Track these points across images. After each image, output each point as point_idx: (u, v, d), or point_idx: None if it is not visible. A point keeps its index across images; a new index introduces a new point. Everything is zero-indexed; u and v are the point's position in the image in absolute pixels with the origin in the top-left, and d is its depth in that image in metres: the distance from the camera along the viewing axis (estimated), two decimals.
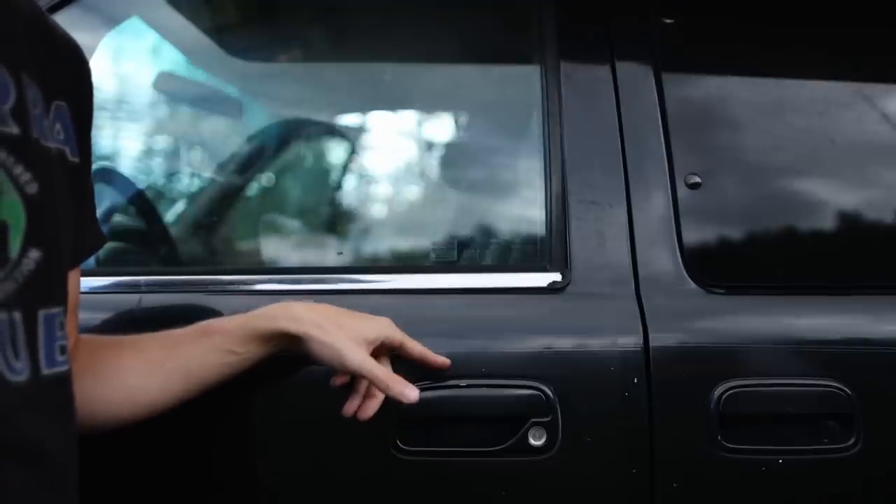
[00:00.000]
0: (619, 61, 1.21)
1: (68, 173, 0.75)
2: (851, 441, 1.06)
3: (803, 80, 1.28)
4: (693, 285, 1.12)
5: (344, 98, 1.71)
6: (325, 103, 1.71)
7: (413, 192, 1.68)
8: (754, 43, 1.27)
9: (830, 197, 1.23)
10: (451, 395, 1.05)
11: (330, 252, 1.55)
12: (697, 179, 1.17)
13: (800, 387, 1.07)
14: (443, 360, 1.03)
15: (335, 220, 1.63)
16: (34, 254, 0.68)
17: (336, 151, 1.76)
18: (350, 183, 1.71)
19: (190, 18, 1.58)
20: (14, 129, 0.67)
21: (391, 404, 1.01)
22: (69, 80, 0.80)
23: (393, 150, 1.68)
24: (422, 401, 1.03)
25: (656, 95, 1.19)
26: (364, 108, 1.73)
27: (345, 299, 1.12)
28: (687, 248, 1.13)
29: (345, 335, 0.94)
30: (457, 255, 1.27)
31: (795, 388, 1.07)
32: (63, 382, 0.71)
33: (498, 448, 1.04)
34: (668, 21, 1.29)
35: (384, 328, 0.98)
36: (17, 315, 0.66)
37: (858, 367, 1.09)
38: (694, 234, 1.15)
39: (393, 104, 1.71)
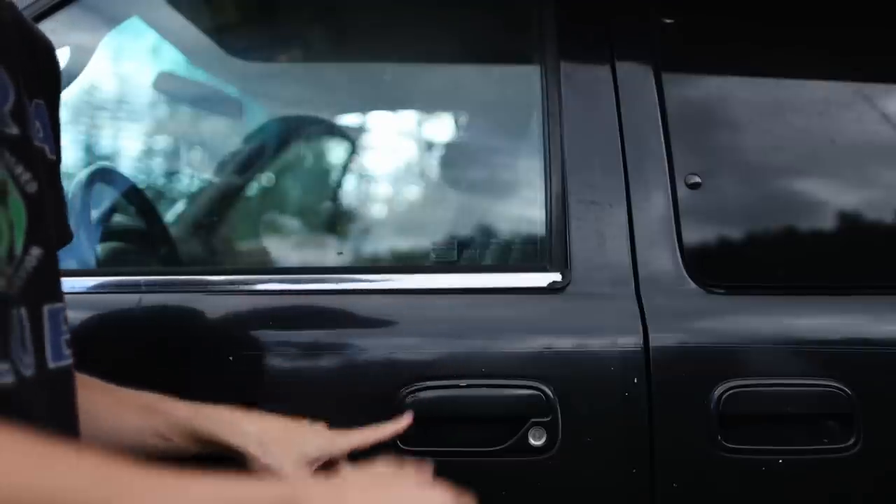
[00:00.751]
0: (619, 61, 1.21)
1: (47, 171, 0.76)
2: (851, 441, 1.06)
3: (803, 80, 1.28)
4: (693, 285, 1.12)
5: (344, 98, 1.71)
6: (325, 103, 1.71)
7: (413, 192, 1.68)
8: (754, 43, 1.27)
9: (830, 197, 1.23)
10: (451, 395, 1.05)
11: (330, 252, 1.55)
12: (697, 179, 1.17)
13: (800, 387, 1.07)
14: (404, 424, 0.98)
15: (335, 220, 1.63)
16: (35, 251, 0.69)
17: (336, 151, 1.76)
18: (350, 183, 1.72)
19: (190, 18, 1.58)
20: (14, 130, 0.68)
21: (391, 404, 1.01)
22: (46, 78, 0.81)
23: (393, 150, 1.69)
24: (422, 401, 1.03)
25: (656, 95, 1.19)
26: (364, 108, 1.73)
27: (345, 299, 1.12)
28: (687, 248, 1.13)
29: (287, 457, 0.91)
30: (457, 255, 1.27)
31: (795, 388, 1.07)
32: (68, 375, 0.72)
33: (498, 448, 1.04)
34: (668, 21, 1.29)
35: (328, 444, 0.94)
36: (23, 311, 0.66)
37: (858, 367, 1.09)
38: (694, 234, 1.15)
39: (393, 104, 1.71)
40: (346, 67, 1.68)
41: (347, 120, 1.77)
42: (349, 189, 1.72)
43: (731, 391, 1.05)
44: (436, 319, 1.11)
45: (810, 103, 1.25)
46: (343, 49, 1.66)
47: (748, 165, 1.22)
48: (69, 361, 0.72)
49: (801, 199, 1.24)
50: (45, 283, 0.70)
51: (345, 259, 1.49)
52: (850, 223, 1.22)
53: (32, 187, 0.69)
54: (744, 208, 1.21)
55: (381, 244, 1.56)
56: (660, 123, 1.18)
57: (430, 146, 1.64)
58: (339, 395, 1.01)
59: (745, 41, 1.27)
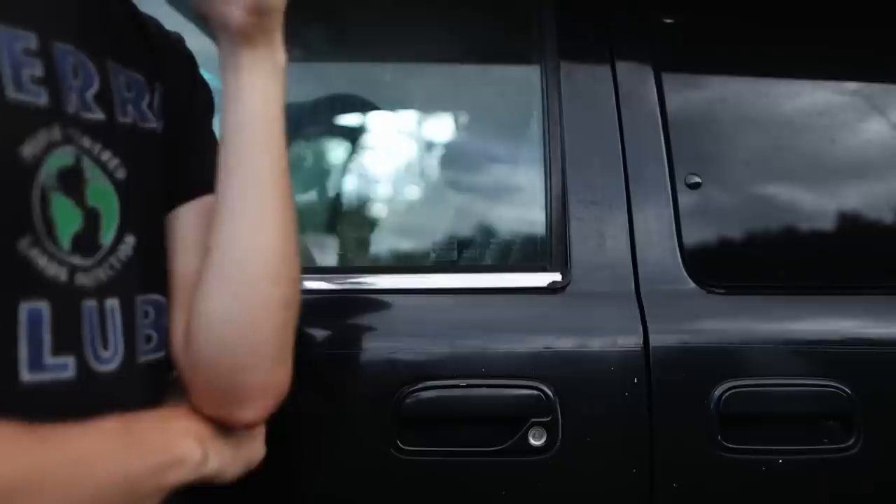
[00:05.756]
0: (619, 61, 1.21)
1: (159, 150, 0.75)
2: (851, 441, 1.06)
3: (803, 80, 1.28)
4: (693, 285, 1.12)
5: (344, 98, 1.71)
6: (326, 103, 1.71)
7: (413, 192, 1.68)
8: (754, 43, 1.27)
9: (830, 197, 1.23)
10: (451, 395, 1.05)
11: (330, 252, 1.55)
12: (697, 179, 1.17)
13: (800, 387, 1.08)
14: None
15: (335, 220, 1.63)
16: (130, 239, 0.68)
17: (336, 151, 1.76)
18: (350, 183, 1.71)
19: (190, 18, 1.58)
20: (99, 115, 0.67)
21: (390, 404, 1.01)
22: (167, 66, 0.80)
23: (393, 150, 1.69)
24: (422, 401, 1.03)
25: (656, 95, 1.19)
26: (364, 107, 1.73)
27: (345, 299, 1.12)
28: (687, 248, 1.14)
29: None
30: (457, 255, 1.27)
31: (795, 388, 1.07)
32: (159, 369, 0.71)
33: (498, 448, 1.04)
34: (668, 21, 1.29)
35: None
36: (112, 302, 0.65)
37: (858, 367, 1.09)
38: (694, 234, 1.15)
39: (393, 104, 1.71)
40: (347, 67, 1.68)
41: (347, 120, 1.77)
42: (349, 189, 1.72)
43: (731, 391, 1.06)
44: (436, 319, 1.11)
45: (810, 103, 1.26)
46: (343, 49, 1.66)
47: (748, 166, 1.22)
48: (161, 355, 0.71)
49: (800, 200, 1.24)
50: (141, 273, 0.69)
51: (345, 259, 1.49)
52: (850, 223, 1.22)
53: (122, 173, 0.68)
54: (744, 209, 1.21)
55: (381, 244, 1.56)
56: (660, 123, 1.18)
57: (430, 146, 1.64)
58: (339, 394, 1.01)
59: (745, 41, 1.27)
